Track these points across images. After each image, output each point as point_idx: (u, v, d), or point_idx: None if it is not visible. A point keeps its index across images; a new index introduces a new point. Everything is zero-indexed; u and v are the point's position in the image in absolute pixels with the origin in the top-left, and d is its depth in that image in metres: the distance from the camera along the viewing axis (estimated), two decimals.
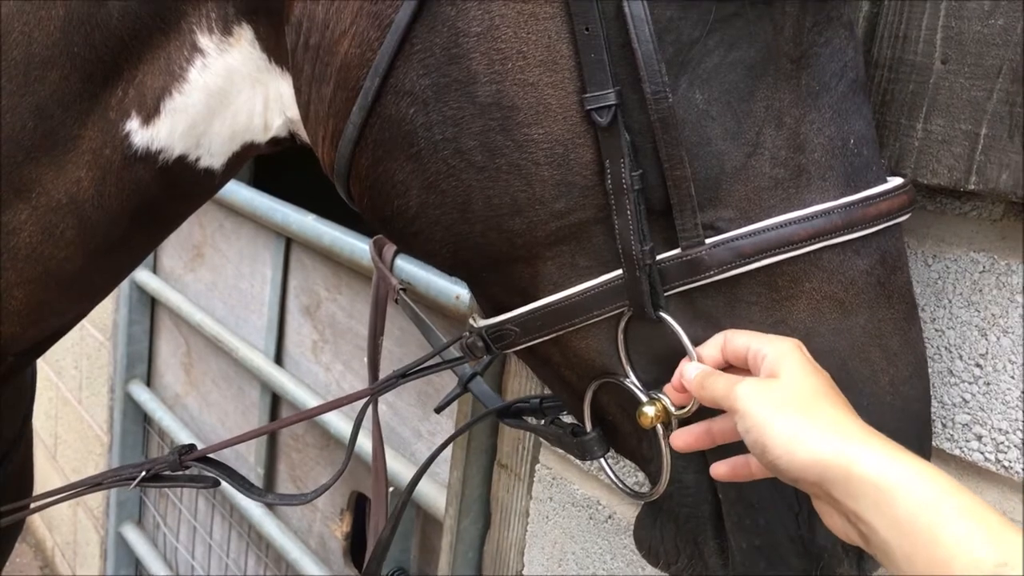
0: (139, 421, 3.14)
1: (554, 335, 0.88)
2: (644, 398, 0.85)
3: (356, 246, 2.06)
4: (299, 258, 2.38)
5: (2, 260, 1.03)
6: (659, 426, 0.85)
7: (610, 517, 1.49)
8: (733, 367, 0.82)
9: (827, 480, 0.67)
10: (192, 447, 1.10)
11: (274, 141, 1.07)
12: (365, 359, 2.19)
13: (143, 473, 1.07)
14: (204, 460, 1.10)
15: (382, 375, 1.63)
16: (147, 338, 3.09)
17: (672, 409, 0.84)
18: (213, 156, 1.07)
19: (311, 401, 2.25)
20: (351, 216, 2.04)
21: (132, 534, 3.16)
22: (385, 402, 2.04)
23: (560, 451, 1.57)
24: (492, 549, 1.72)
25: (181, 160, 1.05)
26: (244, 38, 1.00)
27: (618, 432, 0.93)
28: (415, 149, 0.87)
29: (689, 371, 0.82)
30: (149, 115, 1.01)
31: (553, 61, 0.82)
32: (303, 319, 2.38)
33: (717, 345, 0.82)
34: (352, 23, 0.88)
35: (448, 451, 1.86)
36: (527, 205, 0.84)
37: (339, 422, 2.12)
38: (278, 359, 2.46)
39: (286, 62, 1.00)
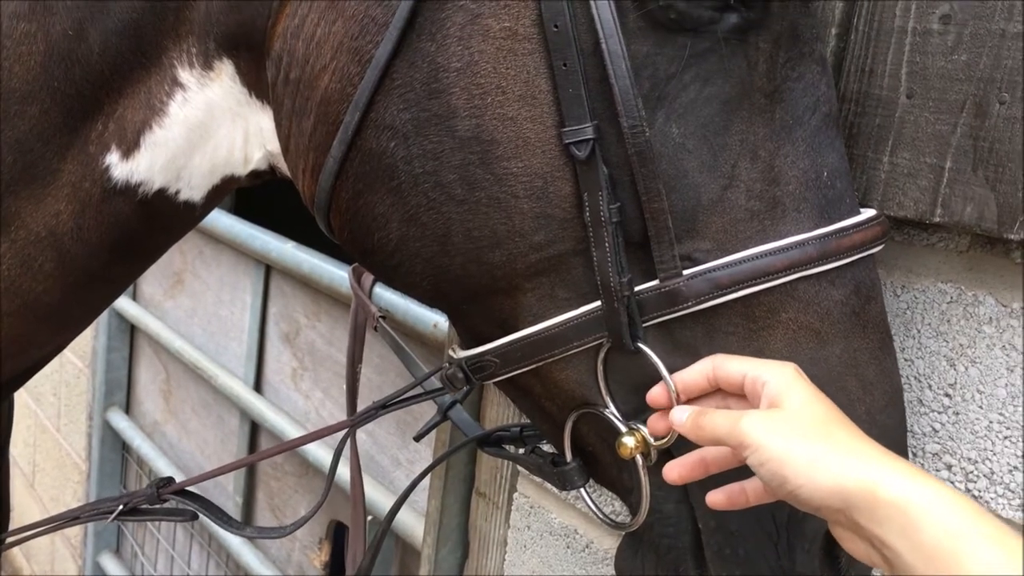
0: (118, 449, 3.12)
1: (534, 366, 0.89)
2: (623, 428, 0.86)
3: (335, 273, 2.06)
4: (279, 285, 2.38)
5: None
6: (639, 456, 0.86)
7: (588, 546, 1.49)
8: (718, 393, 0.83)
9: (851, 506, 0.67)
10: (170, 480, 1.10)
11: (254, 174, 1.08)
12: (343, 387, 2.19)
13: (120, 507, 1.07)
14: (182, 493, 1.10)
15: (361, 403, 1.63)
16: (126, 365, 3.08)
17: (651, 440, 0.85)
18: (193, 189, 1.07)
19: (290, 429, 2.24)
20: (331, 244, 2.05)
21: (110, 564, 3.13)
22: (364, 431, 2.04)
23: (538, 480, 1.58)
24: None
25: (161, 193, 1.06)
26: (225, 72, 1.01)
27: (598, 462, 0.94)
28: (395, 182, 0.88)
29: (678, 415, 0.80)
30: (129, 149, 1.02)
31: (532, 96, 0.83)
32: (283, 346, 2.38)
33: (701, 372, 0.82)
34: (332, 58, 0.89)
35: (426, 480, 1.86)
36: (507, 238, 0.85)
37: (318, 451, 2.11)
38: (257, 387, 2.46)
39: (266, 96, 1.01)
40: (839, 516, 0.69)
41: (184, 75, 1.01)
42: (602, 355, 0.87)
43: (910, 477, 0.66)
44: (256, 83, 1.01)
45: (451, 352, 0.99)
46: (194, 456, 2.78)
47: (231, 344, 2.57)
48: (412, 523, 1.82)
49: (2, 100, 0.98)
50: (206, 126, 1.03)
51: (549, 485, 1.57)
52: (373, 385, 2.03)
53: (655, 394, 0.84)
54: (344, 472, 2.02)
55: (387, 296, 1.81)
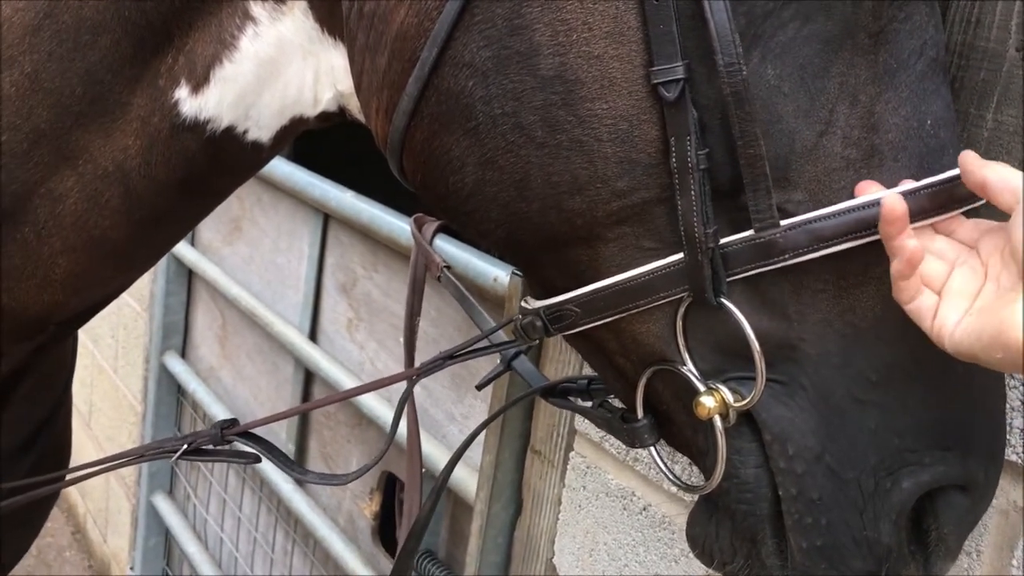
0: (173, 392, 3.16)
1: (615, 317, 0.86)
2: (702, 388, 0.83)
3: (394, 224, 2.04)
4: (336, 235, 2.37)
5: (47, 227, 1.03)
6: (717, 418, 0.82)
7: (645, 509, 1.46)
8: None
9: None
10: (234, 422, 1.09)
11: (324, 116, 1.06)
12: (400, 339, 2.18)
13: (185, 446, 1.07)
14: (247, 435, 1.09)
15: (417, 356, 1.62)
16: (183, 310, 3.11)
17: (731, 400, 0.82)
18: (261, 129, 1.05)
19: (344, 379, 2.24)
20: (388, 194, 2.03)
21: (163, 504, 3.19)
22: (419, 384, 2.03)
23: (595, 439, 1.55)
24: (523, 535, 1.71)
25: (229, 131, 1.04)
26: (297, 7, 0.98)
27: (671, 422, 0.90)
28: (473, 123, 0.85)
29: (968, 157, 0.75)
30: (199, 83, 1.00)
31: (619, 33, 0.79)
32: (339, 296, 2.38)
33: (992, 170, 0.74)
34: None
35: (480, 435, 1.84)
36: (588, 183, 0.82)
37: (371, 401, 2.11)
38: (312, 336, 2.46)
39: (339, 33, 0.98)
40: None
41: (256, 8, 0.98)
42: (682, 310, 0.84)
43: None
44: (328, 18, 0.98)
45: (524, 303, 0.96)
46: (248, 402, 2.80)
47: (287, 292, 2.57)
48: (465, 478, 1.81)
49: (74, 29, 0.96)
50: (276, 62, 1.01)
51: (607, 446, 1.54)
52: (429, 338, 2.01)
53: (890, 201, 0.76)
54: (400, 425, 2.02)
55: (447, 248, 1.78)
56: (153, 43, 0.99)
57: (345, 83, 1.01)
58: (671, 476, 0.94)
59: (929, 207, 0.78)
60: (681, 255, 0.81)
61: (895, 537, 0.82)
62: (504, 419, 1.65)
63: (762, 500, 0.85)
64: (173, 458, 1.07)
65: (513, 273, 1.65)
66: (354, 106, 1.03)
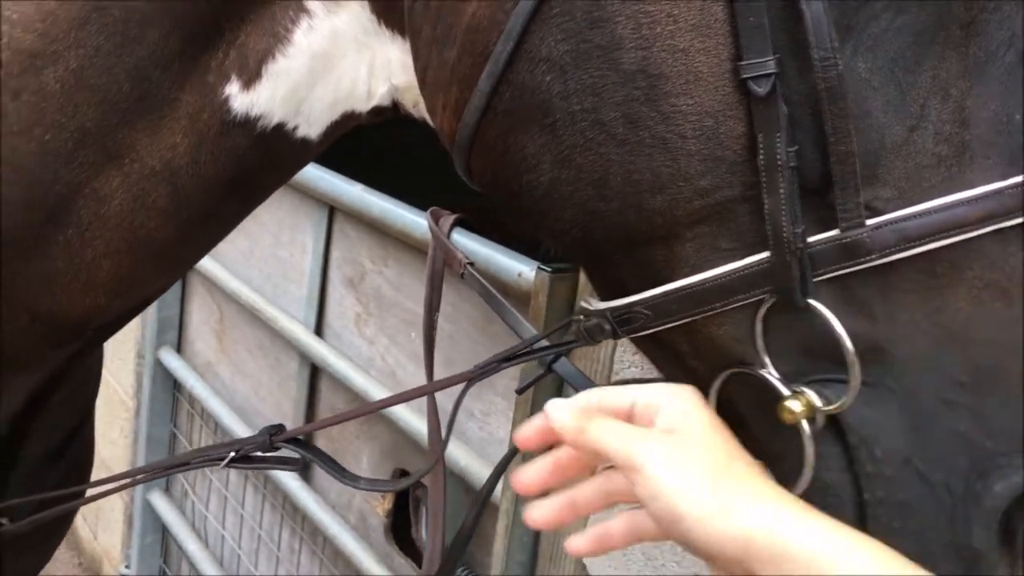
0: (169, 388, 3.11)
1: (688, 320, 0.83)
2: (786, 392, 0.80)
3: (407, 217, 2.01)
4: (342, 228, 2.33)
5: (91, 229, 0.99)
6: (804, 423, 0.80)
7: None
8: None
9: (752, 555, 0.63)
10: (281, 428, 1.06)
11: (376, 111, 1.03)
12: (412, 334, 2.15)
13: (232, 453, 1.04)
14: (294, 441, 1.06)
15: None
16: (178, 305, 3.06)
17: (818, 403, 0.80)
18: (311, 125, 1.02)
19: (353, 375, 2.21)
20: (391, 187, 2.00)
21: (160, 501, 3.13)
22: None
23: None
24: (551, 534, 1.68)
25: (279, 128, 1.00)
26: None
27: (745, 426, 0.88)
28: (550, 120, 0.82)
29: (559, 412, 0.76)
30: (250, 79, 0.97)
31: (706, 25, 0.77)
32: (345, 291, 2.34)
33: (585, 408, 0.77)
34: None
35: (507, 433, 1.82)
36: (670, 181, 0.79)
37: (380, 396, 2.08)
38: (318, 331, 2.42)
39: (396, 25, 0.95)
40: (735, 567, 0.64)
41: (311, 2, 0.95)
42: (762, 311, 0.81)
43: (822, 527, 0.64)
44: (386, 11, 0.95)
45: (585, 303, 0.93)
46: (248, 398, 2.76)
47: (290, 287, 2.53)
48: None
49: (123, 23, 0.92)
50: (330, 56, 0.97)
51: None
52: (444, 334, 1.98)
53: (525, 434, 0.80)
54: (413, 421, 1.99)
55: (467, 244, 1.75)
56: (203, 37, 0.95)
57: (401, 77, 0.98)
58: None
59: (1014, 207, 0.77)
60: (764, 255, 0.79)
61: (987, 540, 0.80)
62: (531, 416, 1.63)
63: (847, 505, 0.83)
64: (220, 465, 1.04)
65: (539, 268, 1.62)
66: (409, 100, 1.00)
